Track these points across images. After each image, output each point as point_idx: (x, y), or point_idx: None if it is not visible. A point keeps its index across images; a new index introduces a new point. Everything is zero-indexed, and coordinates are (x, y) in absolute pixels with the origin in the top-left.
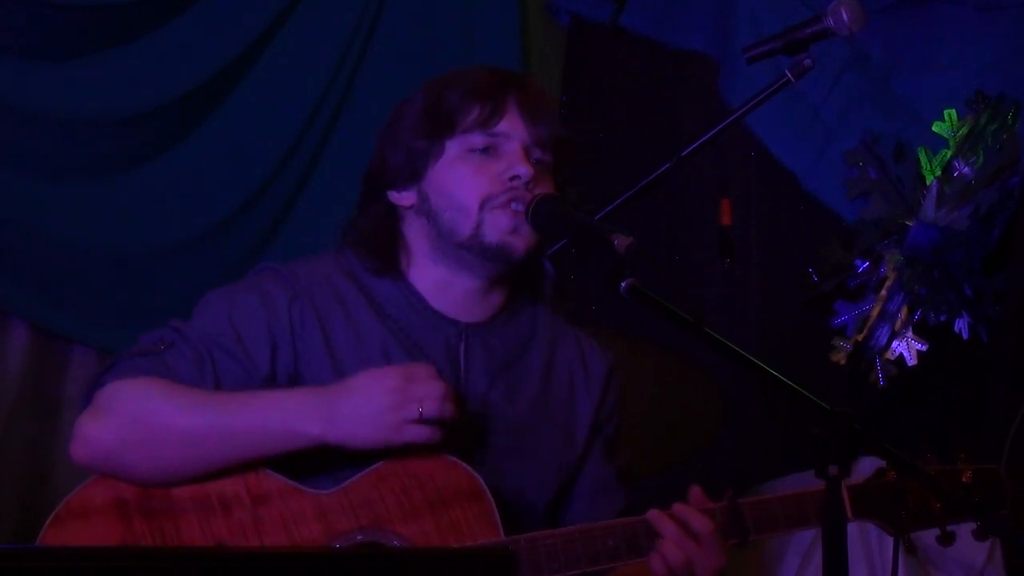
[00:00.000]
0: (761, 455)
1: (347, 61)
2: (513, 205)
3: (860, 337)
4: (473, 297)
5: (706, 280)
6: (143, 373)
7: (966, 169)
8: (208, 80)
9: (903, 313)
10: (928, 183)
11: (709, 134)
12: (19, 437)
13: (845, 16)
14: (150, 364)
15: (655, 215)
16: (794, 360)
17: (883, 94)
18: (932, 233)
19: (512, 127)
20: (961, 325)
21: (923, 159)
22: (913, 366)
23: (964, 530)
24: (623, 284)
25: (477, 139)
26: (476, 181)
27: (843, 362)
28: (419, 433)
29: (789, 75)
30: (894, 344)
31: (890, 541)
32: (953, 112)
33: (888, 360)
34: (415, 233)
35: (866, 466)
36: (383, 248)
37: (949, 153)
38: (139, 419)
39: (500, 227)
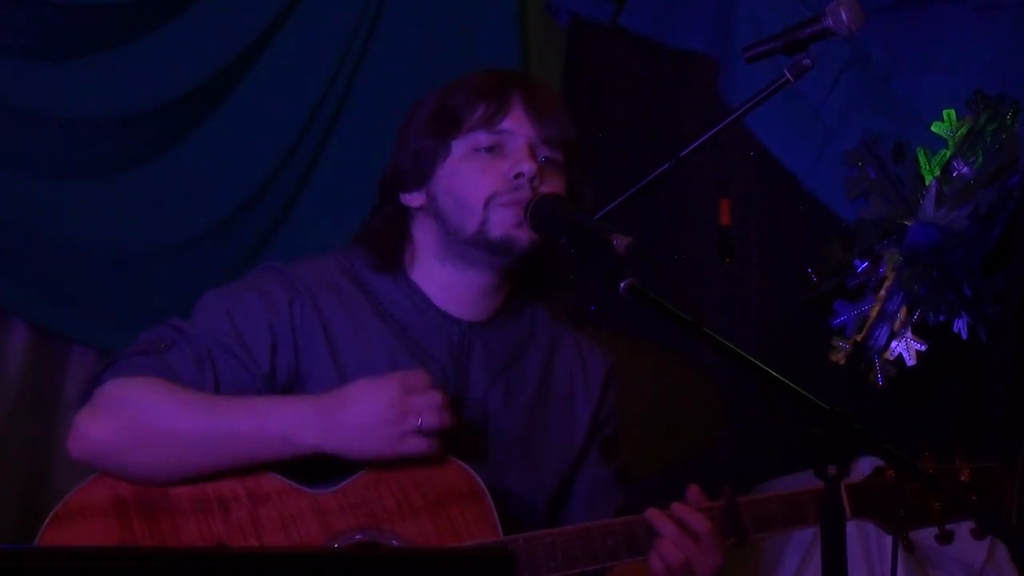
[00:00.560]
0: (761, 455)
1: (347, 61)
2: (518, 203)
3: (859, 337)
4: (477, 295)
5: (706, 280)
6: (143, 372)
7: (965, 169)
8: (208, 80)
9: (902, 313)
10: (927, 183)
11: (709, 134)
12: (19, 437)
13: (844, 16)
14: (151, 363)
15: (655, 215)
16: (794, 360)
17: (883, 94)
18: (931, 233)
19: (517, 125)
20: (960, 325)
21: (922, 159)
22: (912, 366)
23: (963, 530)
24: (622, 284)
25: (482, 138)
26: (481, 180)
27: (842, 362)
28: (418, 445)
29: (788, 75)
30: (893, 344)
31: (889, 540)
32: (952, 112)
33: (887, 360)
34: (424, 233)
35: (865, 466)
36: (388, 244)
37: (948, 153)
38: (137, 419)
39: (504, 222)
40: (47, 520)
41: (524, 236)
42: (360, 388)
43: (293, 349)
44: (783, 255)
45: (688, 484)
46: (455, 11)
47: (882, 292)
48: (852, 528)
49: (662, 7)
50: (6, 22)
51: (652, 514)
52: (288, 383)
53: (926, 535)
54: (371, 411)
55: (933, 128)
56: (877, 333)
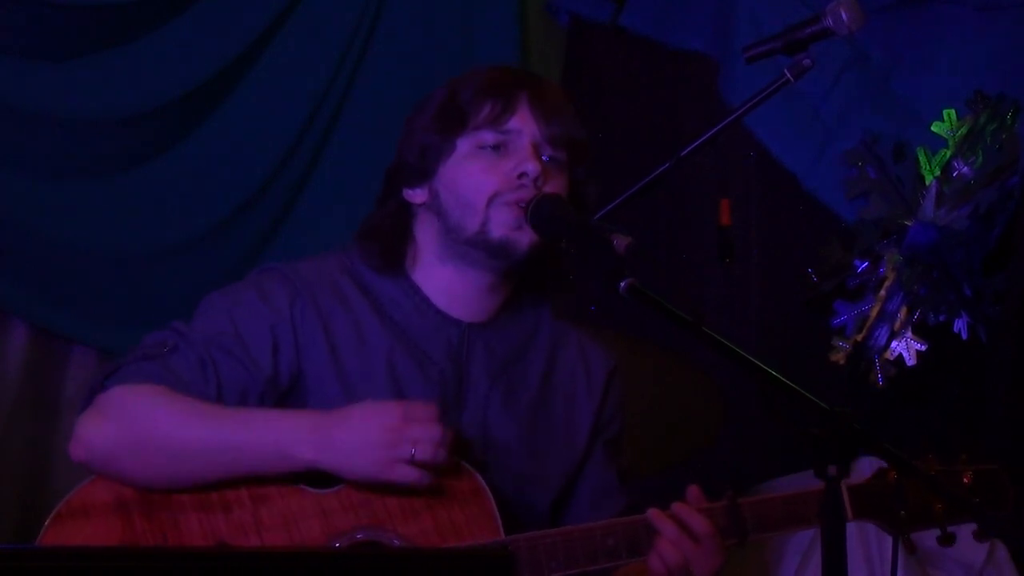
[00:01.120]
0: (761, 455)
1: (347, 61)
2: (521, 203)
3: (859, 337)
4: (477, 296)
5: (706, 280)
6: (147, 378)
7: (965, 169)
8: (208, 80)
9: (902, 313)
10: (927, 183)
11: (709, 134)
12: (19, 437)
13: (844, 16)
14: (154, 368)
15: (655, 215)
16: (794, 360)
17: (883, 94)
18: (931, 233)
19: (523, 124)
20: (960, 325)
21: (922, 159)
22: (912, 366)
23: (964, 530)
24: (622, 284)
25: (488, 136)
26: (484, 178)
27: (842, 362)
28: (408, 474)
29: (788, 75)
30: (893, 344)
31: (889, 540)
32: (952, 112)
33: (887, 360)
34: (425, 231)
35: (865, 466)
36: (390, 244)
37: (948, 153)
38: (138, 427)
39: (504, 223)
40: (49, 518)
41: (524, 239)
42: (363, 408)
43: (295, 350)
44: (783, 255)
45: (688, 484)
46: (455, 11)
47: (882, 292)
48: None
49: (662, 7)
50: (6, 22)
51: (653, 514)
52: (290, 384)
53: (927, 536)
54: (367, 432)
55: (933, 128)
56: (877, 333)
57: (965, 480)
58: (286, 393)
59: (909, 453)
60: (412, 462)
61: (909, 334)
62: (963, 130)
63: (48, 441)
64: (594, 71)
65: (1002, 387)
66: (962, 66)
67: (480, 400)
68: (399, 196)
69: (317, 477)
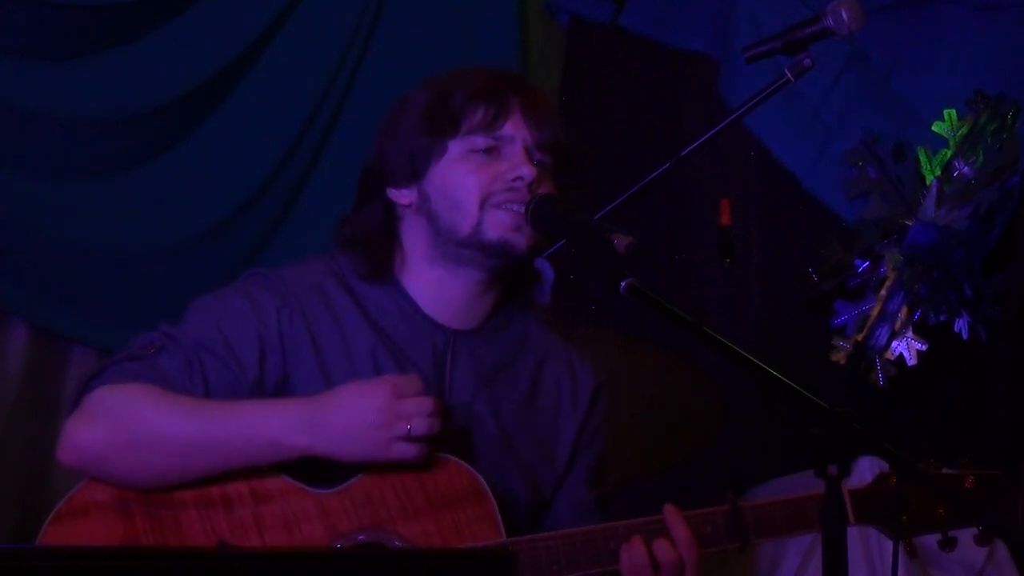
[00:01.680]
0: (761, 455)
1: (347, 61)
2: (515, 206)
3: (860, 337)
4: (466, 299)
5: (706, 280)
6: (133, 378)
7: (966, 169)
8: (208, 80)
9: (903, 313)
10: (928, 183)
11: (709, 134)
12: (19, 437)
13: (845, 16)
14: (140, 368)
15: (655, 215)
16: (794, 360)
17: (883, 94)
18: (932, 233)
19: (515, 129)
20: (961, 325)
21: (923, 159)
22: (913, 366)
23: (965, 531)
24: (623, 284)
25: (481, 140)
26: (477, 180)
27: (843, 362)
28: (407, 450)
29: (789, 75)
30: (894, 344)
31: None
32: (953, 112)
33: (888, 360)
34: (413, 233)
35: (865, 466)
36: (378, 250)
37: (949, 153)
38: (127, 425)
39: (500, 224)
40: (50, 518)
41: (522, 240)
42: (350, 391)
43: (281, 356)
44: (783, 255)
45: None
46: (455, 11)
47: (883, 292)
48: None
49: (662, 7)
50: (6, 22)
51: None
52: (276, 389)
53: (927, 537)
54: (360, 414)
55: (934, 128)
56: (878, 333)
57: (967, 484)
58: (273, 397)
59: (911, 455)
60: (408, 437)
61: (909, 334)
62: (963, 130)
63: (48, 441)
64: (594, 71)
65: (1002, 387)
66: (962, 66)
67: (463, 407)
68: (383, 196)
69: (314, 475)
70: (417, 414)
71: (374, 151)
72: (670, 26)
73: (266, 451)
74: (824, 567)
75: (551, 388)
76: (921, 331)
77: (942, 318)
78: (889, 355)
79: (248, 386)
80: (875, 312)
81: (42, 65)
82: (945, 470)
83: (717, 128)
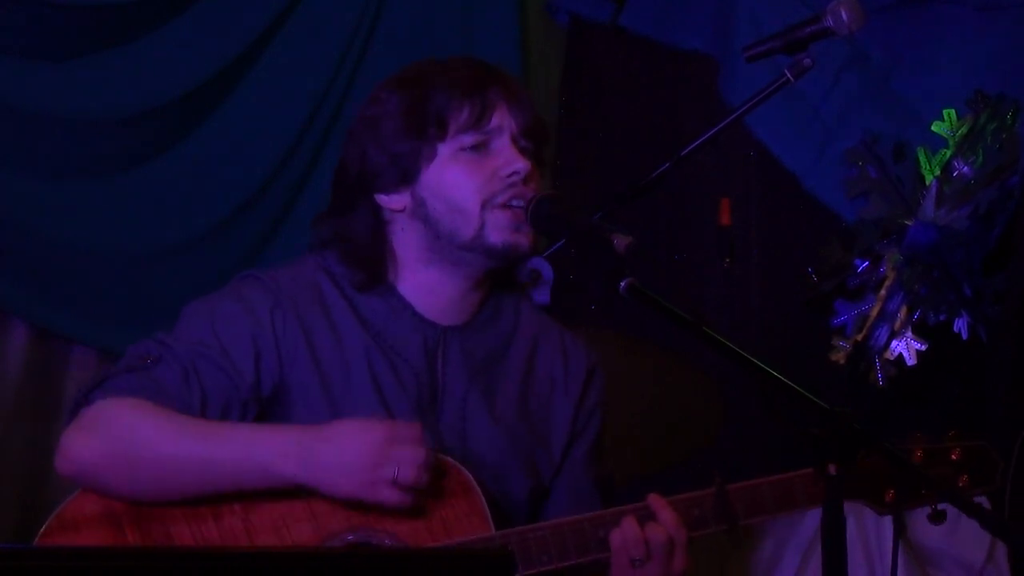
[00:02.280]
0: (761, 455)
1: (347, 61)
2: (514, 202)
3: (860, 337)
4: (459, 296)
5: (706, 280)
6: (132, 391)
7: (966, 169)
8: (208, 80)
9: (903, 313)
10: (928, 183)
11: (709, 134)
12: (19, 437)
13: (845, 16)
14: (139, 381)
15: (655, 215)
16: (794, 360)
17: (883, 94)
18: (931, 233)
19: (501, 120)
20: (960, 325)
21: (923, 159)
22: (913, 366)
23: (964, 531)
24: (622, 284)
25: (470, 138)
26: (474, 182)
27: (843, 362)
28: (390, 496)
29: (788, 75)
30: (893, 344)
31: (889, 541)
32: (953, 112)
33: (888, 360)
34: (406, 236)
35: None
36: (372, 260)
37: (949, 153)
38: (123, 442)
39: (503, 226)
40: (40, 532)
41: (524, 240)
42: (347, 426)
43: (277, 358)
44: (783, 255)
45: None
46: (455, 11)
47: (882, 292)
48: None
49: (662, 7)
50: (6, 22)
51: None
52: (272, 392)
53: (927, 537)
54: (350, 451)
55: (933, 128)
56: (877, 333)
57: (953, 456)
58: (269, 401)
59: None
60: (395, 483)
61: (909, 334)
62: (963, 130)
63: (48, 441)
64: (594, 71)
65: (1002, 387)
66: (962, 66)
67: (457, 402)
68: (370, 201)
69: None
70: (407, 462)
71: (351, 153)
72: (670, 26)
73: (256, 477)
74: (824, 567)
75: (545, 374)
76: (921, 331)
77: (942, 318)
78: (889, 355)
79: (245, 391)
80: (875, 312)
81: (42, 65)
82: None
83: (717, 128)
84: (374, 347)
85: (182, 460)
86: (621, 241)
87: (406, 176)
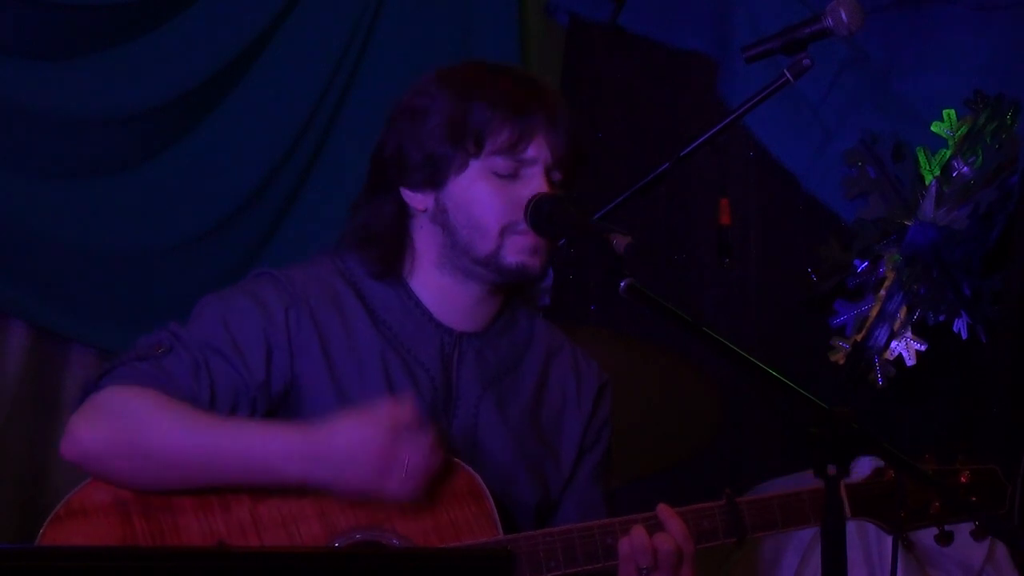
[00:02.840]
0: (761, 455)
1: (346, 61)
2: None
3: (859, 337)
4: (473, 304)
5: (706, 280)
6: (142, 380)
7: (965, 169)
8: (208, 80)
9: (902, 313)
10: (927, 183)
11: (709, 134)
12: (19, 437)
13: (844, 16)
14: (149, 370)
15: (655, 215)
16: (794, 360)
17: (882, 94)
18: (931, 233)
19: (538, 152)
20: (960, 325)
21: (922, 159)
22: (912, 366)
23: (963, 530)
24: (622, 284)
25: (504, 164)
26: (498, 207)
27: (842, 362)
28: (401, 487)
29: (788, 75)
30: (893, 344)
31: (889, 541)
32: (952, 112)
33: (887, 360)
34: (425, 238)
35: (865, 466)
36: (390, 250)
37: (948, 153)
38: (130, 430)
39: (520, 248)
40: (48, 520)
41: (538, 262)
42: (349, 421)
43: (288, 356)
44: (782, 255)
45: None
46: (455, 11)
47: (882, 292)
48: (852, 528)
49: (662, 7)
50: (6, 22)
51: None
52: (283, 389)
53: (926, 536)
54: (357, 447)
55: (933, 128)
56: (877, 333)
57: (963, 479)
58: (280, 399)
59: (908, 453)
60: (405, 470)
61: (909, 334)
62: (963, 130)
63: (48, 441)
64: (594, 71)
65: (1002, 387)
66: (962, 66)
67: (470, 408)
68: (396, 193)
69: None
70: (415, 449)
71: (389, 137)
72: (670, 26)
73: (262, 474)
74: (823, 567)
75: (557, 389)
76: (920, 331)
77: (941, 318)
78: (888, 355)
79: (254, 388)
80: (874, 312)
81: (42, 65)
82: (940, 466)
83: (717, 128)
84: (388, 349)
85: (188, 453)
86: (621, 241)
87: (434, 180)
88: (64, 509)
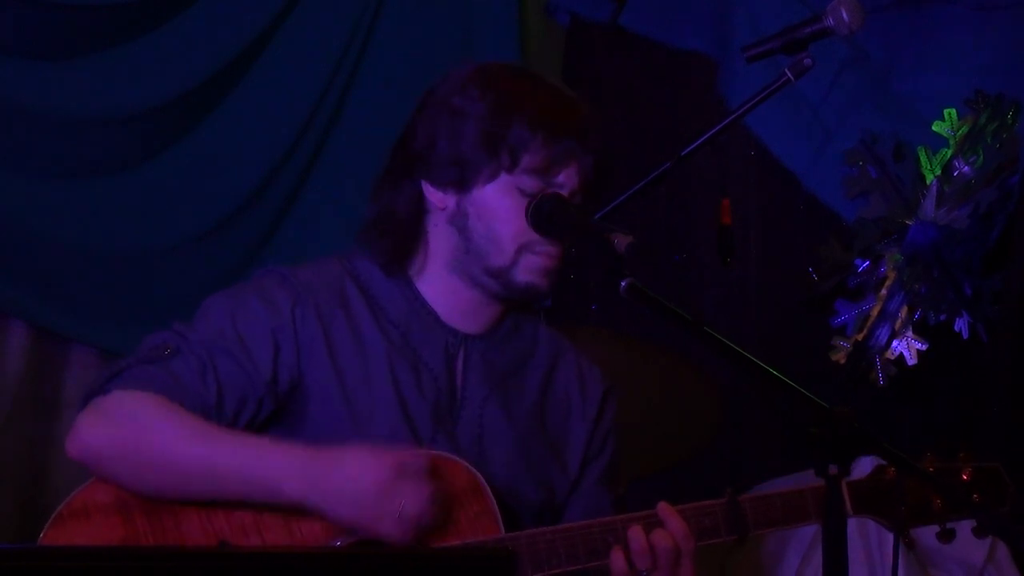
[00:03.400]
0: (761, 455)
1: (346, 60)
2: (552, 252)
3: (860, 336)
4: (478, 307)
5: (706, 280)
6: (149, 384)
7: (966, 168)
8: (208, 79)
9: (903, 312)
10: (928, 182)
11: (709, 134)
12: (19, 437)
13: (845, 15)
14: (156, 373)
15: (655, 215)
16: (794, 360)
17: (882, 93)
18: (931, 232)
19: (567, 179)
20: (961, 324)
21: (923, 158)
22: (913, 366)
23: (964, 530)
24: (622, 284)
25: (533, 185)
26: (518, 226)
27: (843, 362)
28: (393, 529)
29: (789, 74)
30: (894, 343)
31: (890, 541)
32: (953, 111)
33: (888, 360)
34: (439, 237)
35: (866, 466)
36: (404, 242)
37: (949, 152)
38: (133, 438)
39: (533, 268)
40: (51, 519)
41: (547, 284)
42: (357, 454)
43: (295, 354)
44: (783, 255)
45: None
46: (455, 11)
47: (883, 291)
48: (853, 528)
49: (662, 7)
50: (6, 22)
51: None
52: (290, 388)
53: (927, 534)
54: (359, 481)
55: (934, 127)
56: (878, 332)
57: (964, 477)
58: (286, 397)
59: (909, 452)
60: (400, 516)
61: (909, 334)
62: (963, 129)
63: (48, 441)
64: (594, 71)
65: (1002, 387)
66: (962, 66)
67: (475, 409)
68: (417, 184)
69: None
70: (413, 496)
71: (422, 128)
72: (670, 26)
73: (260, 493)
74: (824, 566)
75: (561, 394)
76: (921, 331)
77: (942, 318)
78: (889, 355)
79: (261, 387)
80: (875, 312)
81: (42, 65)
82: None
83: (717, 128)
84: (394, 349)
85: (190, 465)
86: (621, 241)
87: (461, 183)
88: (67, 509)
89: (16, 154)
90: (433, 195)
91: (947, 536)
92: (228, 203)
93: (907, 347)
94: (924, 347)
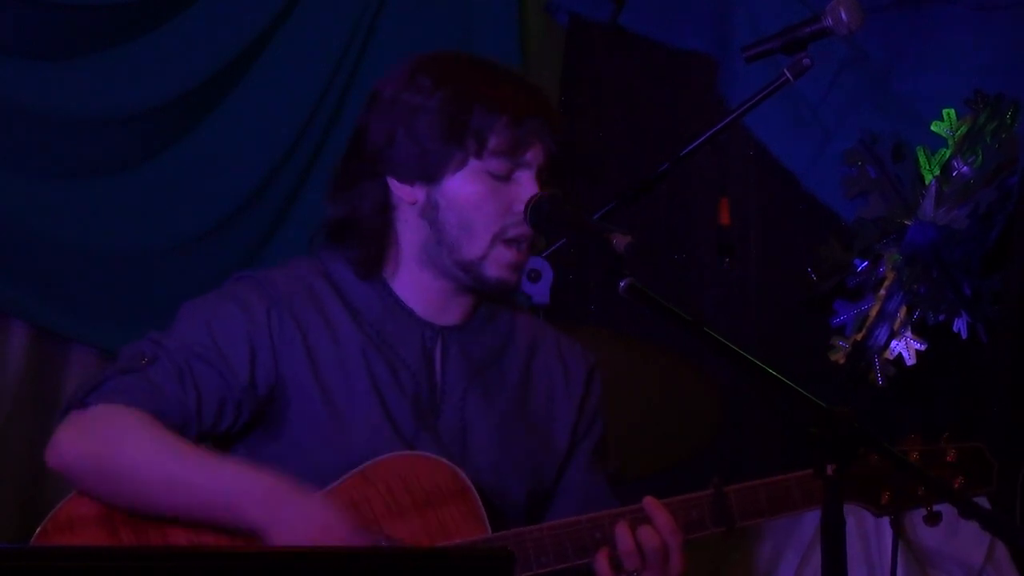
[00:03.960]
0: (761, 455)
1: (346, 61)
2: (523, 244)
3: (859, 336)
4: (449, 298)
5: (706, 280)
6: (128, 396)
7: (965, 168)
8: (207, 79)
9: (902, 312)
10: (927, 182)
11: (709, 134)
12: (19, 437)
13: (844, 15)
14: (135, 384)
15: (655, 215)
16: (793, 360)
17: (882, 93)
18: (931, 232)
19: (534, 157)
20: (960, 325)
21: (922, 158)
22: (912, 366)
23: (964, 530)
24: (622, 283)
25: (501, 167)
26: (492, 209)
27: (842, 362)
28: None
29: (788, 74)
30: (893, 344)
31: (889, 541)
32: (952, 111)
33: (887, 360)
34: (409, 232)
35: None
36: (376, 248)
37: (948, 152)
38: (106, 454)
39: (504, 263)
40: (36, 533)
41: (517, 277)
42: (322, 504)
43: (272, 357)
44: (782, 255)
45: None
46: (455, 11)
47: (882, 291)
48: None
49: (662, 7)
50: (6, 22)
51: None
52: (268, 392)
53: (927, 537)
54: (313, 526)
55: (933, 127)
56: (877, 332)
57: (948, 458)
58: (266, 401)
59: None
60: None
61: (909, 334)
62: (963, 129)
63: (47, 441)
64: (594, 71)
65: (1002, 387)
66: (962, 66)
67: (456, 402)
68: (381, 181)
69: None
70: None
71: (376, 126)
72: (670, 26)
73: (222, 513)
74: (823, 567)
75: (543, 378)
76: (920, 331)
77: (941, 318)
78: (888, 355)
79: (239, 391)
80: (874, 312)
81: (42, 65)
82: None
83: (717, 128)
84: (371, 346)
85: (158, 481)
86: (621, 241)
87: (428, 175)
88: (51, 523)
89: (16, 154)
90: (401, 190)
91: (933, 519)
92: (228, 203)
93: (906, 347)
94: (923, 347)
